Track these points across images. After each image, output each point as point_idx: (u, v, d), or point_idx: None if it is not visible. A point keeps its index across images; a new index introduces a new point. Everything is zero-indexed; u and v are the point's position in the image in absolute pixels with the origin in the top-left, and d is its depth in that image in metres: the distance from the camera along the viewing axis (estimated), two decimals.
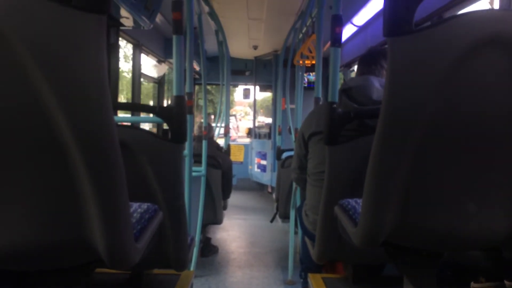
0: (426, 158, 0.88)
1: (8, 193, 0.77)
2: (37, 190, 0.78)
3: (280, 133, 4.97)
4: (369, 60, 1.72)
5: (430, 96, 0.82)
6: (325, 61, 2.46)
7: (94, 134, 0.74)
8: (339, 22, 1.51)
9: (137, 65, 4.14)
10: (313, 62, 3.63)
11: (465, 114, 0.86)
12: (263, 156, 6.81)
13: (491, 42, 0.81)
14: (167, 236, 1.40)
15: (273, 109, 7.13)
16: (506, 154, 0.89)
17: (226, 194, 3.96)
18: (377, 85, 1.59)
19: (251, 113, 8.50)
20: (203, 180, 3.21)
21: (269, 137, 7.17)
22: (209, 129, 3.87)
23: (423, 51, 0.82)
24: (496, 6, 1.97)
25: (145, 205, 1.11)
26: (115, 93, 3.36)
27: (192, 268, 2.83)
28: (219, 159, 3.72)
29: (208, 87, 6.95)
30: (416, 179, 0.89)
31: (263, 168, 6.80)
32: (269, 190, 6.98)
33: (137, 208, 1.09)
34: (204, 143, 3.13)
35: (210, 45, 5.31)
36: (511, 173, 0.91)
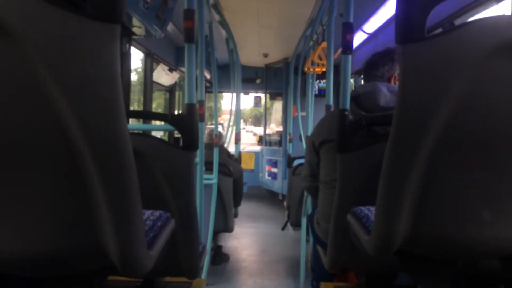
0: (439, 165, 0.87)
1: (23, 200, 0.78)
2: (51, 197, 0.78)
3: (291, 141, 4.97)
4: (373, 66, 1.72)
5: (443, 103, 0.82)
6: (336, 68, 2.47)
7: (108, 141, 0.74)
8: (350, 29, 1.51)
9: (148, 74, 4.17)
10: (324, 69, 3.63)
11: (478, 121, 0.85)
12: (274, 164, 6.80)
13: (505, 48, 0.81)
14: (179, 244, 1.41)
15: (284, 116, 7.14)
16: None
17: (237, 202, 3.96)
18: (385, 90, 1.58)
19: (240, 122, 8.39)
20: (214, 188, 3.22)
21: (280, 145, 7.17)
22: (220, 137, 3.87)
23: (436, 58, 0.81)
24: (509, 12, 1.96)
25: (157, 213, 1.12)
26: (127, 101, 3.39)
27: (203, 276, 2.83)
28: (230, 166, 3.72)
29: None
30: (429, 186, 0.88)
31: (274, 176, 6.79)
32: (280, 198, 6.95)
33: (149, 215, 1.09)
34: (215, 150, 3.14)
35: (221, 53, 5.34)
36: None
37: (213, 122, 5.60)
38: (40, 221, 0.80)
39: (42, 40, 0.68)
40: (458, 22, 2.39)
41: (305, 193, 3.11)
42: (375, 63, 1.73)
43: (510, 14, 1.88)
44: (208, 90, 6.69)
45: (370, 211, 1.21)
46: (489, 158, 0.88)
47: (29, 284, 0.99)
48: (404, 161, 0.87)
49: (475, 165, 0.88)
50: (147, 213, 1.10)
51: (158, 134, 5.22)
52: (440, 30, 0.92)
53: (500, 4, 2.05)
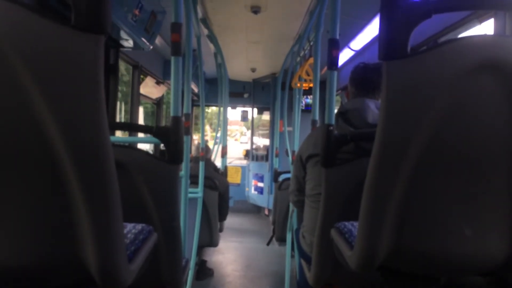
0: (422, 181, 0.88)
1: (1, 211, 0.76)
2: (31, 208, 0.77)
3: (277, 155, 4.98)
4: (363, 82, 1.70)
5: (425, 119, 0.83)
6: (323, 84, 2.48)
7: (89, 152, 0.73)
8: (336, 45, 1.53)
9: (136, 86, 4.16)
10: (311, 85, 3.65)
11: (460, 137, 0.87)
12: (260, 178, 6.79)
13: (486, 67, 0.82)
14: (161, 258, 1.39)
15: (271, 131, 7.15)
16: (501, 179, 0.89)
17: (222, 216, 3.93)
18: (373, 107, 1.59)
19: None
20: (199, 201, 3.20)
21: (266, 159, 7.17)
22: (207, 150, 3.86)
23: (418, 75, 0.82)
24: (491, 31, 2.00)
25: (139, 226, 1.10)
26: (113, 113, 3.37)
27: None
28: (216, 180, 3.70)
29: None
30: (411, 202, 0.89)
31: (260, 190, 6.77)
32: (266, 212, 6.93)
33: (131, 228, 1.08)
34: (201, 164, 3.12)
35: (209, 67, 5.35)
36: (505, 197, 0.90)
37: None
38: (19, 233, 0.78)
39: (25, 49, 0.68)
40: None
41: (291, 208, 3.10)
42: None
43: (492, 33, 1.92)
44: (195, 103, 6.69)
45: (353, 226, 1.21)
46: (471, 173, 0.89)
47: None
48: (386, 177, 0.88)
49: (457, 180, 0.89)
50: (129, 226, 1.09)
51: (146, 147, 5.19)
52: (424, 48, 0.94)
53: (483, 24, 2.10)
